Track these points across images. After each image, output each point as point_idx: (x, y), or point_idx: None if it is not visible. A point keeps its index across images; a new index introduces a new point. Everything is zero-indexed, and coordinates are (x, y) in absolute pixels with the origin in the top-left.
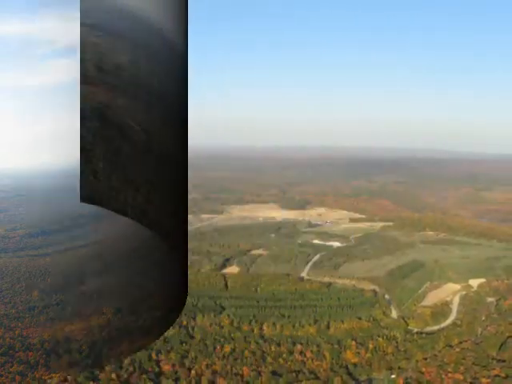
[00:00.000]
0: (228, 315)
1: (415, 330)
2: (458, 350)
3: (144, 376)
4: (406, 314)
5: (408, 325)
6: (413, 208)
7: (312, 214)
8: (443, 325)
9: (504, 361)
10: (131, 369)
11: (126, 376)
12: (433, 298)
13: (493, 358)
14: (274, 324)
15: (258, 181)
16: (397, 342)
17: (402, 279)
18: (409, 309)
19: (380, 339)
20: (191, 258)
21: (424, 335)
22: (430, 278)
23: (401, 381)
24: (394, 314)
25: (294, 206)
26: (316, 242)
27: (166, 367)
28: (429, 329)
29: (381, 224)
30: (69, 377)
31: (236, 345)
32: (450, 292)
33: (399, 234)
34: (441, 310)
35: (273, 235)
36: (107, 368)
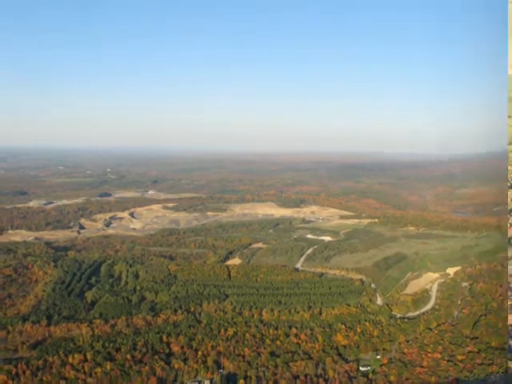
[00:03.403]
0: (231, 302)
1: (398, 315)
2: (436, 332)
3: (156, 356)
4: (390, 301)
5: (392, 310)
6: (396, 206)
7: (306, 211)
8: (423, 310)
9: (477, 338)
10: (144, 350)
11: (139, 356)
12: (414, 286)
13: (467, 337)
14: (271, 310)
15: (258, 182)
16: (382, 326)
17: (387, 270)
18: (392, 296)
19: (367, 323)
20: (198, 250)
21: (406, 320)
22: (412, 268)
23: (385, 360)
24: (380, 301)
25: (290, 205)
26: (309, 236)
27: (176, 348)
28: (410, 314)
29: (367, 220)
30: (88, 356)
31: (238, 328)
32: (429, 280)
33: (384, 229)
34: (421, 297)
35: (271, 231)
36: (123, 349)
